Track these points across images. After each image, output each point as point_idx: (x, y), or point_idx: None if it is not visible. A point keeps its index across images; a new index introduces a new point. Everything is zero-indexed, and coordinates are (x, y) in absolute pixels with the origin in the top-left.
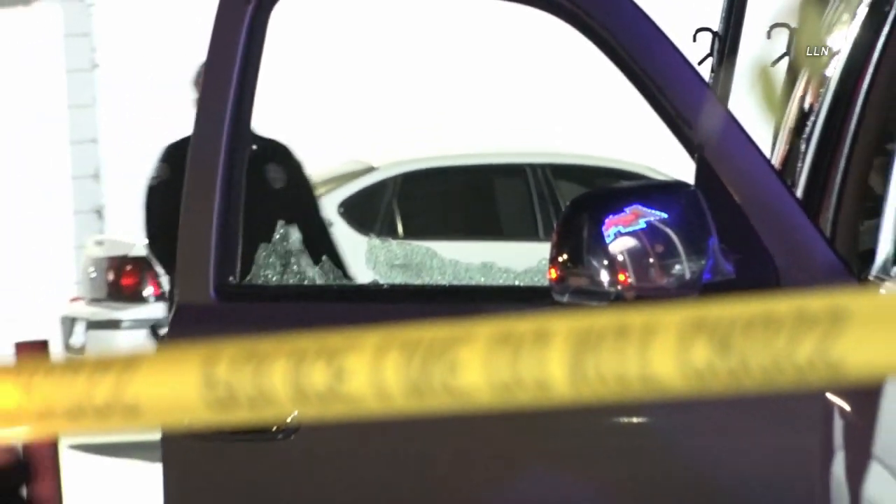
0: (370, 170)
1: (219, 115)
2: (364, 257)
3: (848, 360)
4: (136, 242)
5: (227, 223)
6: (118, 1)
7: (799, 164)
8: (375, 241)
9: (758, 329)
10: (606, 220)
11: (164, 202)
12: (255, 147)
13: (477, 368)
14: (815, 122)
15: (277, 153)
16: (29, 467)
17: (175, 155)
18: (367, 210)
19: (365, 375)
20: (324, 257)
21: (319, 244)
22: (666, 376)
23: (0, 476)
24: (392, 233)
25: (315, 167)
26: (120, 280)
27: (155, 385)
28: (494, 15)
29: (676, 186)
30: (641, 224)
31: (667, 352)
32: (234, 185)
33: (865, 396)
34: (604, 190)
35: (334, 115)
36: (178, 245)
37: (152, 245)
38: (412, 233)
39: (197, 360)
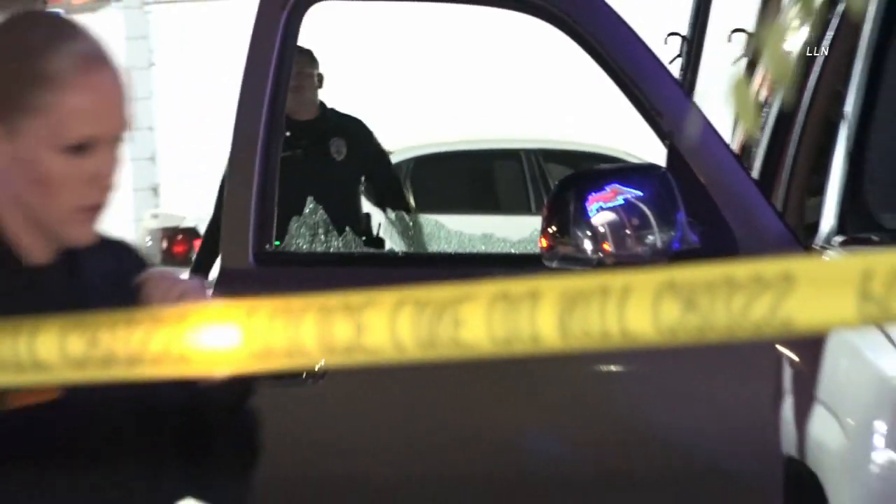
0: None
1: (257, 104)
2: (383, 229)
3: (796, 316)
4: (186, 216)
5: (264, 197)
6: (172, 8)
7: (755, 150)
8: (392, 214)
9: (719, 290)
10: (589, 197)
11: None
12: (323, 125)
13: (479, 323)
14: (768, 115)
15: (343, 128)
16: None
17: None
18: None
19: (383, 329)
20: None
21: (392, 202)
22: (641, 330)
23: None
24: (405, 207)
25: None
26: (172, 248)
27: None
28: (495, 22)
29: (650, 168)
30: (620, 200)
31: (642, 309)
32: (271, 164)
33: (811, 348)
34: (587, 171)
35: (358, 110)
36: (223, 218)
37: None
38: (423, 208)
39: (240, 312)
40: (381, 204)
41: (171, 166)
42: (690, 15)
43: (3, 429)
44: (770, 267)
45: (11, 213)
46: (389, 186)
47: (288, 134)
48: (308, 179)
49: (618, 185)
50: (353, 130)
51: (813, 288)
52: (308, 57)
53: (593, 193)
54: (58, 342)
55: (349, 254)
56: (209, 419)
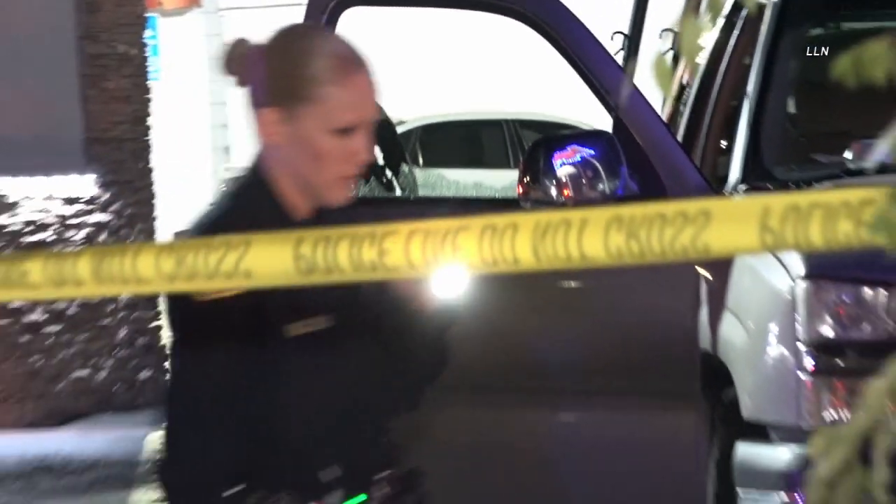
0: (402, 122)
1: None
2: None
3: (712, 244)
4: None
5: None
6: (241, 12)
7: (679, 121)
8: (405, 167)
9: (654, 223)
10: (555, 155)
11: None
12: None
13: (472, 248)
14: (689, 93)
15: None
16: None
17: None
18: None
19: (399, 253)
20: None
21: (395, 161)
22: (595, 254)
23: None
24: (416, 163)
25: None
26: None
27: (263, 257)
28: (489, 24)
29: (600, 134)
30: (578, 158)
31: (596, 238)
32: None
33: (722, 268)
34: (553, 136)
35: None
36: None
37: None
38: (429, 163)
39: (290, 241)
40: (388, 161)
41: (238, 131)
42: (631, 17)
43: (286, 352)
44: (692, 206)
45: (287, 180)
46: (394, 148)
47: None
48: None
49: (576, 146)
50: None
51: (724, 222)
52: None
53: (558, 152)
54: (154, 261)
55: (375, 197)
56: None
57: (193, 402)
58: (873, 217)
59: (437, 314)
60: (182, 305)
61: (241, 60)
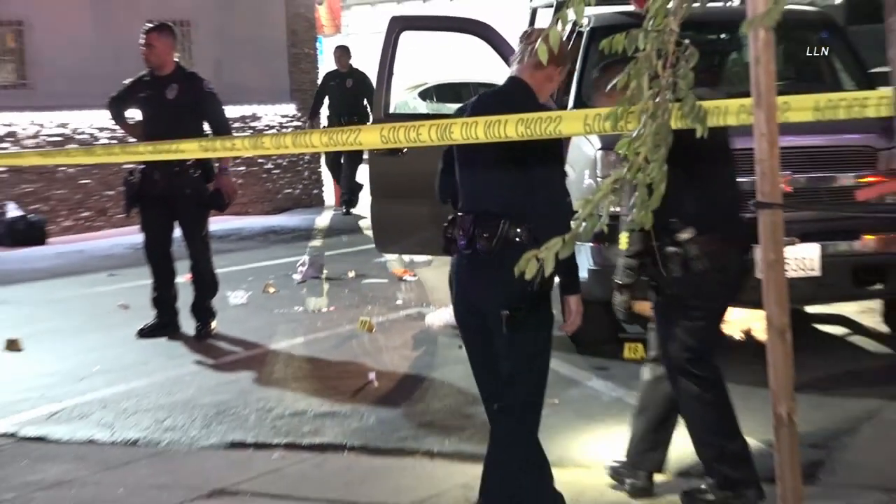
0: (424, 83)
1: (384, 77)
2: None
3: (563, 130)
4: None
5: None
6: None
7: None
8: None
9: (545, 120)
10: None
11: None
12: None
13: (457, 130)
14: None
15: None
16: None
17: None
18: (424, 95)
19: (435, 133)
20: None
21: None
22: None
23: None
24: (431, 101)
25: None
26: None
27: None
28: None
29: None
30: None
31: (510, 126)
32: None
33: (567, 143)
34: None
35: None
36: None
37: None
38: (439, 100)
39: (377, 130)
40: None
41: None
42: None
43: None
44: (555, 113)
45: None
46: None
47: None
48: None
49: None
50: (361, 77)
51: (569, 120)
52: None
53: None
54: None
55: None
56: None
57: None
58: (610, 116)
59: None
60: None
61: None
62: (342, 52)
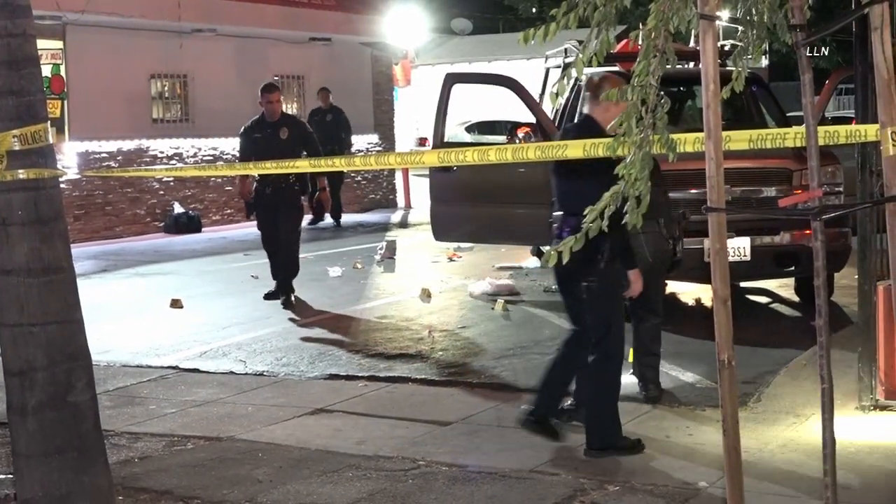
0: (469, 120)
1: (442, 112)
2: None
3: (569, 155)
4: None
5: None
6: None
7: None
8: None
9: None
10: (517, 130)
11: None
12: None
13: (493, 153)
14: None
15: (340, 114)
16: None
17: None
18: (469, 129)
19: (476, 156)
20: None
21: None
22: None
23: None
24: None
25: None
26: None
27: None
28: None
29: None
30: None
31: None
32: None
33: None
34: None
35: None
36: None
37: None
38: (479, 133)
39: (436, 153)
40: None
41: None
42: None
43: None
44: (563, 143)
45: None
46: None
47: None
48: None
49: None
50: (338, 112)
51: (573, 147)
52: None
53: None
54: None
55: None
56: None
57: None
58: (602, 145)
59: None
60: None
61: (599, 83)
62: (325, 93)
